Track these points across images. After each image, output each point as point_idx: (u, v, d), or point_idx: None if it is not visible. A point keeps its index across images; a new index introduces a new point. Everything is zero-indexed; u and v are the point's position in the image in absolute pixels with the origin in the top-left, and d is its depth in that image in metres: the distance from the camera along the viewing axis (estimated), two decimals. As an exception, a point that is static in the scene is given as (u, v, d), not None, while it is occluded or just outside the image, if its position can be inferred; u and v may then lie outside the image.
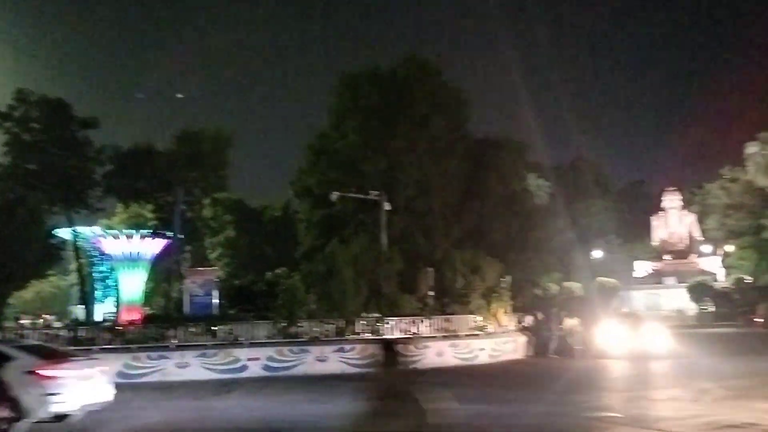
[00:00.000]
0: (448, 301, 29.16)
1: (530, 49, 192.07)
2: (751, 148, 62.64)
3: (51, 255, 32.51)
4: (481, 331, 24.79)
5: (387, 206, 28.11)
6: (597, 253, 64.27)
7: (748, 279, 53.84)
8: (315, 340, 21.46)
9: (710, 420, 10.38)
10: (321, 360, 20.89)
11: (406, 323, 22.81)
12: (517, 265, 34.15)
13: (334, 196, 28.62)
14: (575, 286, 59.11)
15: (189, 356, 20.57)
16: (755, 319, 41.81)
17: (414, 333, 22.42)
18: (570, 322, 24.59)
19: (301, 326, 22.07)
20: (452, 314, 25.51)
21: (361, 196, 28.89)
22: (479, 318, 25.50)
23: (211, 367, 20.41)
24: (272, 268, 37.31)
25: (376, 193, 28.38)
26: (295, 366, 20.66)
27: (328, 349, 21.06)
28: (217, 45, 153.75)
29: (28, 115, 34.18)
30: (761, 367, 17.50)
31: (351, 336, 22.04)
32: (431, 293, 26.18)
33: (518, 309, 32.32)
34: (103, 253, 36.62)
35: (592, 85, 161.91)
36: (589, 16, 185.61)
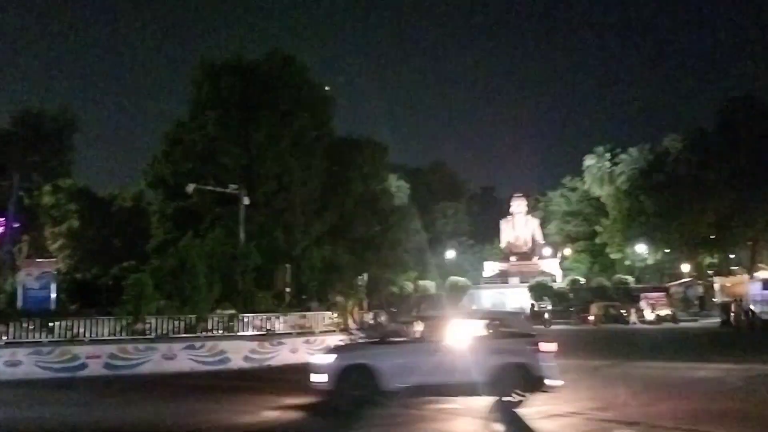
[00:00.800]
0: (306, 297, 29.23)
1: (394, 54, 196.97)
2: (589, 161, 68.59)
3: None
4: (336, 327, 25.07)
5: (246, 200, 27.62)
6: (450, 254, 67.33)
7: (582, 280, 58.84)
8: (163, 337, 20.61)
9: (540, 410, 11.26)
10: (169, 358, 20.11)
11: (261, 320, 22.56)
12: (374, 263, 35.01)
13: (190, 188, 27.64)
14: (429, 284, 61.57)
15: (21, 354, 19.02)
16: (589, 318, 45.78)
17: (268, 330, 22.24)
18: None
19: (149, 323, 21.09)
20: (308, 311, 25.60)
21: (219, 190, 28.17)
22: (335, 315, 25.76)
23: (46, 365, 19.00)
24: (120, 262, 35.32)
25: (235, 186, 27.79)
26: (140, 364, 19.73)
27: (177, 347, 20.31)
28: (68, 23, 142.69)
29: None
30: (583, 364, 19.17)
31: (202, 333, 21.43)
32: (288, 290, 26.06)
33: (374, 306, 33.15)
34: None
35: (451, 94, 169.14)
36: (453, 26, 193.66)
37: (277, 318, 23.02)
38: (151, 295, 21.67)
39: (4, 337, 19.82)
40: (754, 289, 42.73)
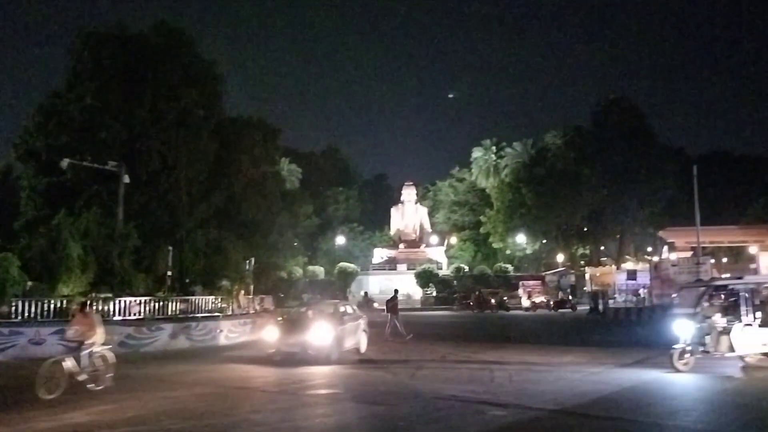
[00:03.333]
0: (190, 281, 28.30)
1: (291, 37, 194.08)
2: (476, 153, 70.97)
3: None
4: (220, 312, 24.50)
5: (126, 179, 26.26)
6: (340, 240, 67.56)
7: (466, 268, 61.00)
8: (30, 321, 19.25)
9: (434, 389, 11.54)
10: (36, 343, 18.78)
11: (138, 304, 21.61)
12: (263, 247, 34.44)
13: (65, 163, 25.91)
14: (318, 270, 61.50)
15: None
16: (470, 303, 47.55)
17: (146, 314, 21.36)
18: None
19: (14, 305, 19.62)
20: (192, 295, 24.83)
21: (97, 166, 26.59)
22: (219, 299, 25.17)
23: None
24: (-18, 239, 32.57)
25: (115, 163, 26.35)
26: (3, 349, 18.34)
27: (45, 331, 19.01)
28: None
29: None
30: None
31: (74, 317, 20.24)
32: (170, 273, 25.11)
33: (261, 291, 32.67)
34: None
35: (346, 80, 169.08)
36: (348, 12, 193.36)
37: (157, 302, 22.14)
38: (18, 276, 20.15)
39: None
40: (620, 279, 46.03)
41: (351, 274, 60.46)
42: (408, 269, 61.43)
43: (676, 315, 14.80)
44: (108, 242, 23.83)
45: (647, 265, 40.76)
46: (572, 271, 58.95)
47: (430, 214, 74.76)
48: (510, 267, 60.76)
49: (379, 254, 68.59)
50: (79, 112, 28.60)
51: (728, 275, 31.11)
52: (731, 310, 14.66)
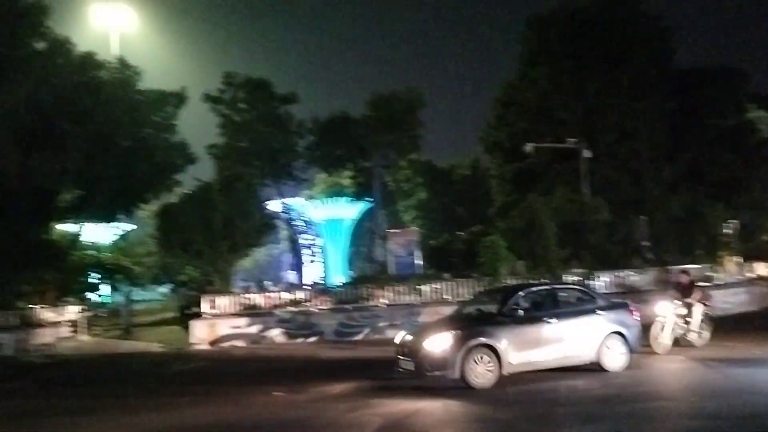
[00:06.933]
0: (664, 250, 26.86)
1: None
2: None
3: (266, 225, 34.38)
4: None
5: (587, 154, 26.40)
6: None
7: None
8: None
9: None
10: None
11: (621, 276, 21.36)
12: (743, 207, 30.57)
13: (529, 147, 27.36)
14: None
15: (398, 315, 21.25)
16: None
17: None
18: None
19: (505, 283, 21.60)
20: (666, 265, 23.45)
21: (558, 146, 27.40)
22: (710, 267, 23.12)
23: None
24: (463, 228, 36.93)
25: (574, 140, 26.75)
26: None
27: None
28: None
29: (236, 97, 37.30)
30: None
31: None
32: (645, 243, 24.20)
33: (748, 258, 28.97)
34: (309, 221, 38.87)
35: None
36: None
37: (641, 273, 21.52)
38: (506, 256, 22.13)
39: (383, 300, 22.37)
40: None
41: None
42: None
43: None
44: (578, 218, 24.26)
45: None
46: None
47: None
48: None
49: None
50: (534, 98, 29.93)
51: None
52: None
